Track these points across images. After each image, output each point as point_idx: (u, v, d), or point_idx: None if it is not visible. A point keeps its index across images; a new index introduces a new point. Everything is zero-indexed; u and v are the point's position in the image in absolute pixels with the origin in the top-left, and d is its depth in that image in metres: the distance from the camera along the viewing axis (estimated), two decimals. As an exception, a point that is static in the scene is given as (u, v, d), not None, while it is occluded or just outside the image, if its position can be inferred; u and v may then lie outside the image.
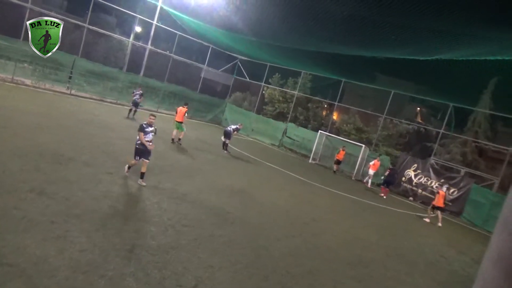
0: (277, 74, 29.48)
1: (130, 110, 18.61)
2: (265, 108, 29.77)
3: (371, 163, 19.95)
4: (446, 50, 15.41)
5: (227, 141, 16.89)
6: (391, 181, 18.46)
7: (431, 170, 19.43)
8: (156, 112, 24.58)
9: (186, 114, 15.89)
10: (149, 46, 26.14)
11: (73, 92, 20.72)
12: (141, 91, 19.11)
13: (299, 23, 16.80)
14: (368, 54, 19.38)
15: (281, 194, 12.27)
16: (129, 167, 8.97)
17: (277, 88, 29.20)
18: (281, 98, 28.93)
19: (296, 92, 27.78)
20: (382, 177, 18.99)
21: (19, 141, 9.15)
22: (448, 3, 11.39)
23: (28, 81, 19.20)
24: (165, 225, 6.76)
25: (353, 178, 20.89)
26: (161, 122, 18.90)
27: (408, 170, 20.17)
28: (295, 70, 28.11)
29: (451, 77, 19.06)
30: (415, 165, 20.03)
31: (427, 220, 15.12)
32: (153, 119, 8.92)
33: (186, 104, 16.53)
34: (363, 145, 21.42)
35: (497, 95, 21.11)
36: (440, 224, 14.73)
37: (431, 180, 19.16)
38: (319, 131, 23.42)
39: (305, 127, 26.42)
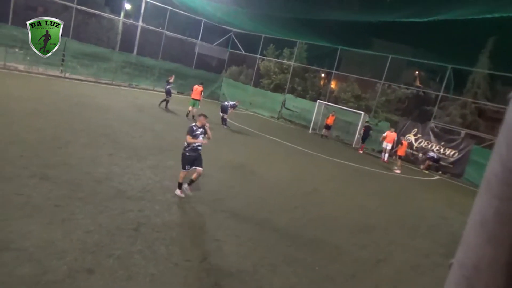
0: (271, 45, 29.00)
1: (164, 100, 17.85)
2: (262, 81, 29.47)
3: (383, 135, 18.71)
4: (443, 10, 15.11)
5: (225, 116, 16.85)
6: (365, 137, 20.11)
7: (431, 133, 19.43)
8: (153, 90, 24.40)
9: (202, 93, 17.39)
10: (140, 24, 25.62)
11: (67, 75, 20.46)
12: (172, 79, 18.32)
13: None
14: (364, 19, 19.00)
15: (282, 166, 12.33)
16: (181, 184, 7.28)
17: (273, 59, 28.80)
18: (277, 70, 28.59)
19: (292, 63, 27.42)
20: (358, 135, 20.61)
21: (16, 127, 9.11)
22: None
23: (21, 67, 18.92)
24: (169, 202, 6.82)
25: (353, 146, 20.93)
26: (157, 99, 18.78)
27: (408, 135, 20.18)
28: (290, 40, 27.61)
29: (449, 38, 18.81)
30: (415, 129, 20.01)
31: (398, 171, 16.06)
32: (204, 120, 7.40)
33: (201, 83, 18.04)
34: (363, 112, 21.35)
35: (496, 54, 20.85)
36: (398, 171, 16.04)
37: (432, 143, 19.19)
38: (318, 100, 23.29)
39: (303, 97, 26.22)
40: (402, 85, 24.78)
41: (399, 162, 16.63)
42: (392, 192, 12.67)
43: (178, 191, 7.24)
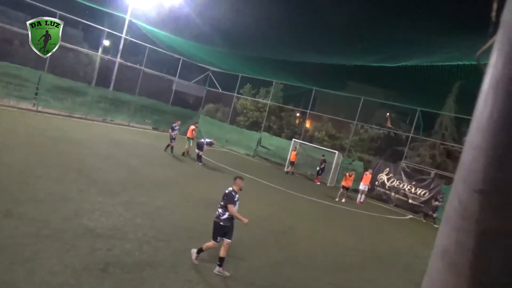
0: (248, 84, 29.66)
1: (168, 145, 17.38)
2: (238, 118, 29.81)
3: (361, 177, 18.85)
4: (411, 57, 16.01)
5: (200, 153, 16.81)
6: (322, 170, 21.49)
7: (402, 173, 19.92)
8: (128, 126, 24.18)
9: (193, 132, 18.20)
10: (118, 60, 25.75)
11: (39, 108, 20.06)
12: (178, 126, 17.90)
13: (270, 32, 17.06)
14: (338, 62, 19.85)
15: (257, 204, 12.25)
16: (199, 252, 6.34)
17: (249, 98, 29.34)
18: (253, 108, 29.08)
19: (268, 102, 27.98)
20: (318, 168, 21.56)
21: (-17, 161, 8.76)
22: (409, 12, 11.89)
23: (-9, 99, 18.46)
24: (140, 241, 6.60)
25: (328, 185, 21.12)
26: (132, 135, 18.61)
27: (380, 174, 20.60)
28: (266, 80, 28.36)
29: (418, 82, 19.79)
30: (387, 169, 20.49)
31: (343, 200, 16.81)
32: (241, 183, 6.74)
33: (196, 123, 19.64)
34: (337, 151, 21.76)
35: (461, 98, 21.99)
36: (343, 200, 16.78)
37: (403, 183, 19.63)
38: (293, 139, 23.64)
39: (279, 136, 26.61)
40: (374, 125, 25.61)
41: (342, 190, 17.26)
42: (366, 230, 12.73)
43: (194, 254, 6.31)
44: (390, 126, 34.41)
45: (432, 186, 18.76)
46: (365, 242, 10.98)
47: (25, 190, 7.61)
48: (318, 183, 21.16)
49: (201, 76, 31.99)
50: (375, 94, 24.88)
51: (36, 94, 20.15)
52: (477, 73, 15.28)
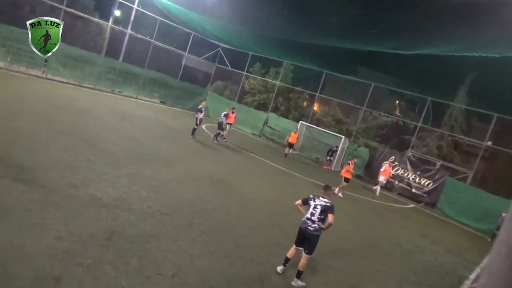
0: (258, 63, 29.37)
1: (218, 133, 17.14)
2: (246, 97, 29.66)
3: (381, 169, 18.47)
4: (426, 45, 15.70)
5: (222, 132, 17.11)
6: (332, 158, 21.40)
7: (408, 162, 19.87)
8: (136, 98, 24.18)
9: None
10: (129, 31, 25.52)
11: (49, 76, 20.08)
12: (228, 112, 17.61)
13: (285, 11, 16.73)
14: (351, 46, 19.52)
15: (261, 184, 12.33)
16: (286, 261, 6.16)
17: (258, 77, 29.10)
18: (262, 88, 28.87)
19: (278, 82, 27.76)
20: (328, 157, 21.44)
21: (-8, 125, 8.84)
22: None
23: (1, 64, 18.48)
24: (145, 213, 6.69)
25: (332, 169, 21.13)
26: (140, 108, 18.62)
27: (385, 162, 20.56)
28: (277, 60, 28.05)
29: (431, 72, 19.46)
30: (393, 157, 20.44)
31: (340, 194, 14.49)
32: (325, 194, 6.21)
33: (234, 108, 19.30)
34: (343, 136, 21.68)
35: (473, 91, 21.68)
36: (340, 195, 14.42)
37: (408, 172, 19.61)
38: (300, 121, 23.53)
39: (286, 117, 26.51)
40: (382, 113, 25.39)
41: (344, 184, 14.89)
42: (367, 216, 12.80)
43: (281, 267, 6.12)
44: (398, 114, 34.11)
45: (436, 177, 18.74)
46: (365, 228, 11.06)
47: (33, 157, 7.69)
48: (328, 168, 21.07)
49: (211, 52, 31.67)
50: (386, 81, 24.56)
51: (46, 61, 20.10)
52: (493, 66, 15.04)
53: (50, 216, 5.48)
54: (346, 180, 14.80)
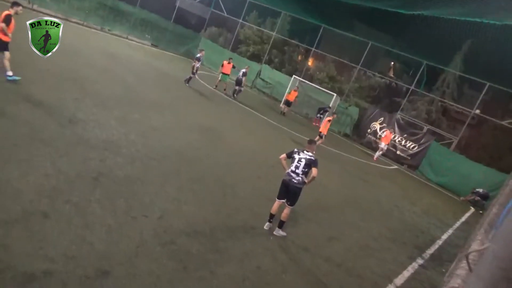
0: (254, 11, 28.37)
1: (235, 90, 17.62)
2: (240, 47, 28.90)
3: (382, 135, 18.82)
4: (428, 6, 15.31)
5: (239, 88, 17.41)
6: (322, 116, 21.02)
7: (396, 124, 20.08)
8: (126, 38, 23.36)
9: (233, 68, 17.78)
10: (121, -34, 24.08)
11: (35, 7, 19.09)
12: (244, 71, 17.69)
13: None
14: (353, 1, 18.93)
15: (250, 135, 12.38)
16: (271, 217, 6.22)
17: (254, 27, 28.22)
18: (257, 39, 28.08)
19: (274, 33, 27.01)
20: (319, 114, 21.47)
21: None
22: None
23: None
24: (133, 157, 6.70)
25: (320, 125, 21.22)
26: (130, 49, 18.04)
27: (374, 123, 20.74)
28: (275, 10, 27.07)
29: (429, 35, 19.13)
30: (382, 118, 20.60)
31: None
32: (309, 148, 6.28)
33: (231, 58, 18.28)
34: (335, 94, 21.58)
35: (469, 58, 21.49)
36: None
37: (395, 134, 19.86)
38: (293, 75, 23.22)
39: (279, 70, 26.10)
40: (377, 74, 25.18)
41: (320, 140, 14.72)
42: (351, 175, 13.11)
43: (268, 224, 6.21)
44: (391, 76, 33.86)
45: (422, 141, 19.08)
46: (348, 186, 11.37)
47: (18, 91, 7.51)
48: (317, 124, 20.76)
49: (207, -4, 30.35)
50: (382, 40, 24.10)
51: (32, -9, 19.05)
52: (491, 34, 14.83)
53: (37, 153, 5.45)
54: (320, 135, 15.00)
